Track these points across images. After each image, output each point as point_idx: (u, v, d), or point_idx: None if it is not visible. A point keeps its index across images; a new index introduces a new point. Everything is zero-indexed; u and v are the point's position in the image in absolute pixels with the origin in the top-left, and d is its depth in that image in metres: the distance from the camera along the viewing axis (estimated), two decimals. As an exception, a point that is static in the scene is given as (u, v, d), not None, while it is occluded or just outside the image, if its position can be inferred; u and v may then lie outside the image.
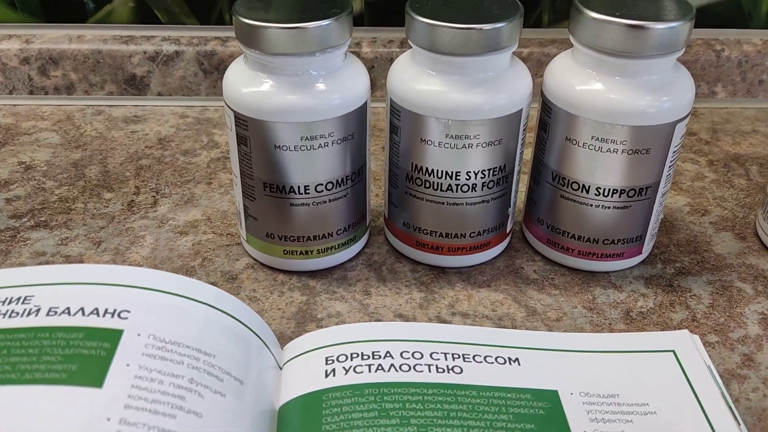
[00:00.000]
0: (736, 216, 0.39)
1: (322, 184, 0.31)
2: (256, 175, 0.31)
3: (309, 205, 0.32)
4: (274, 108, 0.30)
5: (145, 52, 0.48)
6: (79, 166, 0.42)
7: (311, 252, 0.33)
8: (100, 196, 0.40)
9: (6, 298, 0.25)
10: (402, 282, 0.34)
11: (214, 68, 0.48)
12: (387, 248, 0.36)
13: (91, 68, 0.48)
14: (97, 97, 0.49)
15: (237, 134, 0.31)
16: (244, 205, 0.33)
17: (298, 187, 0.31)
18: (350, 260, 0.35)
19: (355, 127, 0.31)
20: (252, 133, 0.30)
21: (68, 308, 0.24)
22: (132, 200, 0.39)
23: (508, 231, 0.35)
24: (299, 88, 0.30)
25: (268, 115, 0.30)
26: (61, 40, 0.48)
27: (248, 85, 0.30)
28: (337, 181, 0.32)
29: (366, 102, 0.31)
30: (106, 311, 0.24)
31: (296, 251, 0.33)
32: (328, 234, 0.33)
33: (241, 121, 0.30)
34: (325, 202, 0.32)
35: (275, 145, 0.30)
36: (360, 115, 0.31)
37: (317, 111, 0.30)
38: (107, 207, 0.39)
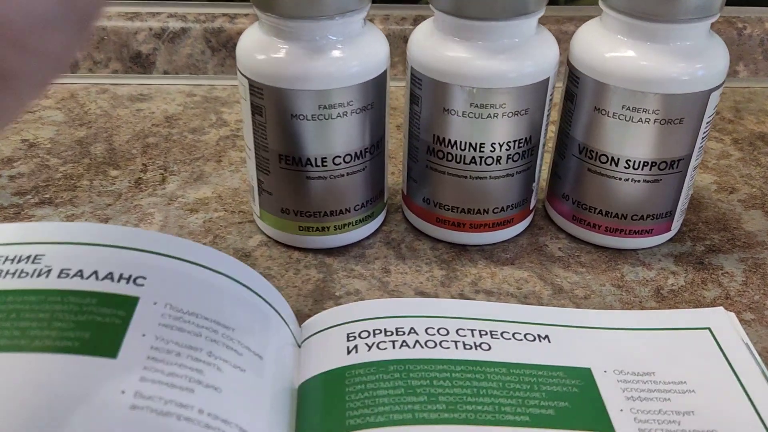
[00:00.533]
0: (764, 194, 0.37)
1: (339, 156, 0.30)
2: (271, 147, 0.30)
3: (326, 178, 0.31)
4: (290, 75, 0.28)
5: (150, 29, 0.46)
6: (83, 144, 0.41)
7: (328, 228, 0.32)
8: (106, 173, 0.38)
9: (15, 256, 0.23)
10: (422, 260, 0.32)
11: (222, 46, 0.47)
12: (405, 226, 0.35)
13: (95, 45, 0.46)
14: (101, 75, 0.47)
15: (251, 103, 0.30)
16: (258, 179, 0.32)
17: (315, 159, 0.30)
18: (367, 238, 0.34)
19: (374, 96, 0.30)
20: (267, 101, 0.29)
21: (81, 271, 0.22)
22: (139, 178, 0.38)
23: (531, 207, 0.34)
24: (317, 55, 0.28)
25: (284, 82, 0.28)
26: (65, 16, 0.46)
27: (264, 51, 0.29)
28: (356, 153, 0.30)
29: (386, 71, 0.30)
30: (121, 276, 0.22)
31: (312, 227, 0.32)
32: (345, 210, 0.32)
33: (255, 89, 0.29)
34: (343, 175, 0.31)
35: (292, 114, 0.29)
36: (379, 83, 0.30)
37: (335, 78, 0.28)
38: (114, 184, 0.37)
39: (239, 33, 0.46)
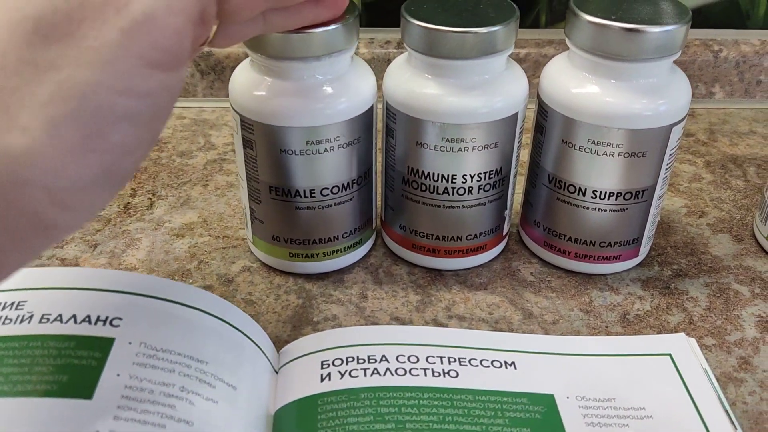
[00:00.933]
0: (733, 218, 0.39)
1: (327, 188, 0.31)
2: (261, 179, 0.31)
3: (314, 208, 0.32)
4: (279, 112, 0.29)
5: (141, 54, 0.47)
6: (75, 168, 0.42)
7: (317, 255, 0.33)
8: (97, 198, 0.39)
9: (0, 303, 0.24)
10: (398, 285, 0.34)
11: (210, 69, 0.48)
12: (384, 251, 0.36)
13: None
14: (93, 98, 0.49)
15: (243, 137, 0.31)
16: (250, 207, 0.33)
17: (304, 190, 0.31)
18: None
19: (361, 131, 0.31)
20: (258, 136, 0.30)
21: (60, 315, 0.24)
22: (128, 202, 0.39)
23: (504, 234, 0.35)
24: (305, 93, 0.29)
25: (273, 119, 0.29)
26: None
27: (254, 88, 0.30)
28: (343, 185, 0.32)
29: (372, 106, 0.31)
30: (98, 318, 0.24)
31: (301, 254, 0.33)
32: (334, 237, 0.33)
33: (246, 124, 0.30)
34: (331, 205, 0.32)
35: (281, 149, 0.30)
36: (366, 118, 0.31)
37: (323, 115, 0.29)
38: (103, 209, 0.39)
39: (228, 57, 0.48)
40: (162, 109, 0.20)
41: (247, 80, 0.30)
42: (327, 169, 0.31)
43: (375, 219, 0.35)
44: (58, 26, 0.17)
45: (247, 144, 0.31)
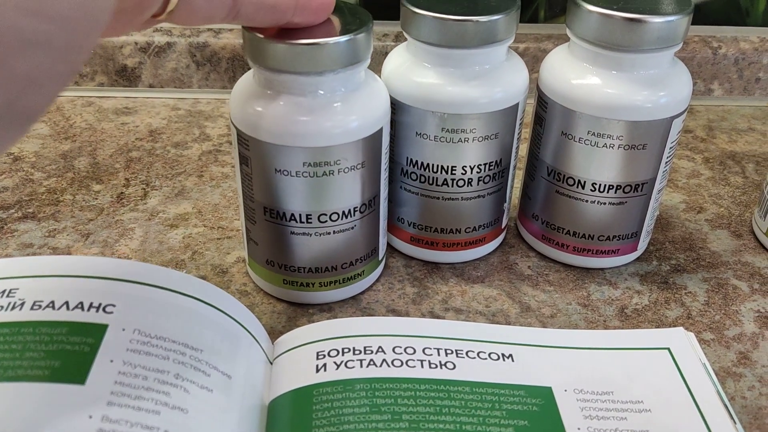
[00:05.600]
0: (732, 213, 0.38)
1: (326, 215, 0.29)
2: (256, 198, 0.29)
3: (311, 235, 0.29)
4: (274, 129, 0.27)
5: (136, 43, 0.47)
6: (68, 158, 0.42)
7: (312, 285, 0.31)
8: (89, 188, 0.39)
9: None
10: (395, 277, 0.33)
11: (206, 60, 0.48)
12: (380, 243, 0.36)
13: (82, 59, 0.47)
14: (87, 88, 0.48)
15: (239, 153, 0.29)
16: (246, 227, 0.31)
17: (300, 215, 0.29)
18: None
19: (366, 154, 0.28)
20: (253, 153, 0.28)
21: (53, 302, 0.23)
22: (122, 192, 0.39)
23: (503, 227, 0.35)
24: (305, 110, 0.27)
25: (267, 136, 0.27)
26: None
27: (252, 102, 0.27)
28: (344, 212, 0.29)
29: (382, 128, 0.28)
30: (90, 305, 0.23)
31: (296, 282, 0.31)
32: (332, 268, 0.30)
33: (242, 139, 0.28)
34: (330, 233, 0.29)
35: (275, 169, 0.28)
36: (375, 141, 0.28)
37: (324, 135, 0.27)
38: (96, 199, 0.38)
39: (223, 48, 0.47)
40: (80, 36, 0.17)
41: (245, 92, 0.28)
42: (326, 194, 0.28)
43: (381, 249, 0.32)
44: None
45: (243, 160, 0.28)
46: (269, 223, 0.29)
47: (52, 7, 0.16)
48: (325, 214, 0.29)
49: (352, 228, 0.30)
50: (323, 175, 0.28)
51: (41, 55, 0.16)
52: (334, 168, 0.28)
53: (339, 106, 0.27)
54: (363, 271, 0.31)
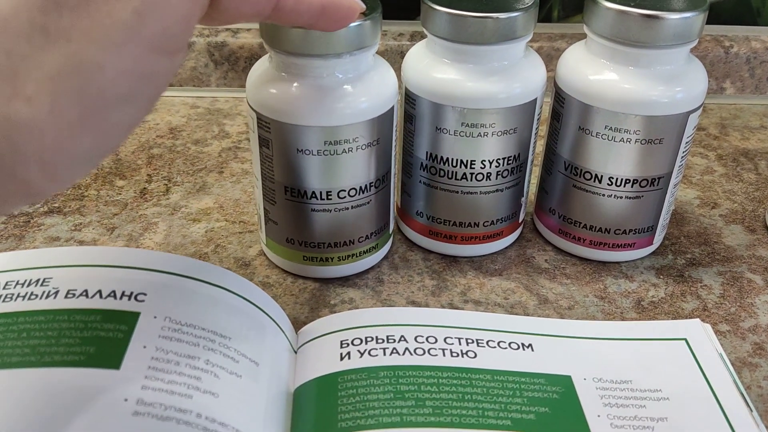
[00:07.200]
0: (745, 209, 0.39)
1: (344, 190, 0.30)
2: (276, 179, 0.30)
3: (330, 211, 0.31)
4: (296, 111, 0.28)
5: (156, 43, 0.48)
6: (91, 155, 0.42)
7: (331, 259, 0.32)
8: (113, 183, 0.40)
9: (25, 280, 0.25)
10: (414, 270, 0.34)
11: (224, 59, 0.48)
12: (399, 237, 0.36)
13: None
14: (108, 87, 0.49)
15: (259, 136, 0.30)
16: (264, 208, 0.32)
17: (320, 192, 0.30)
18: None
19: (381, 132, 0.30)
20: (274, 135, 0.29)
21: (86, 291, 0.24)
22: (144, 188, 0.39)
23: (520, 221, 0.35)
24: (323, 92, 0.28)
25: (290, 118, 0.28)
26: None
27: (272, 86, 0.29)
28: (361, 187, 0.31)
29: (393, 107, 0.30)
30: (123, 294, 0.24)
31: (316, 257, 0.32)
32: (350, 242, 0.32)
33: (263, 122, 0.29)
34: (348, 208, 0.31)
35: (297, 149, 0.29)
36: (386, 120, 0.30)
37: (341, 115, 0.29)
38: (120, 194, 0.39)
39: (242, 47, 0.48)
40: (160, 90, 0.20)
41: (264, 76, 0.29)
42: (344, 171, 0.30)
43: (392, 223, 0.34)
44: None
45: (263, 143, 0.30)
46: (290, 201, 0.31)
47: (144, 69, 0.19)
48: (344, 190, 0.30)
49: (368, 203, 0.31)
50: (342, 152, 0.29)
51: (130, 108, 0.19)
52: (352, 145, 0.29)
53: (353, 87, 0.29)
54: (377, 244, 0.33)
